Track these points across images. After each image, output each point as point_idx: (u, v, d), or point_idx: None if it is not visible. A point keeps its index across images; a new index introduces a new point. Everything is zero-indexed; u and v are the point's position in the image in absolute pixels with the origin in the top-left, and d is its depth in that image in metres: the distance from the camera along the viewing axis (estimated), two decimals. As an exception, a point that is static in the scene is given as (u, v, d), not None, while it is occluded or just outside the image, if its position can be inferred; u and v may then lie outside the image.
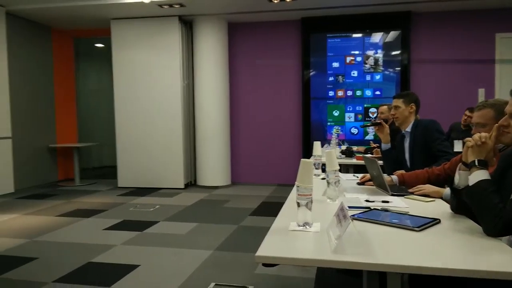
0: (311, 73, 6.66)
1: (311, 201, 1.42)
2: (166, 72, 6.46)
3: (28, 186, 6.56)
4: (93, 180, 7.32)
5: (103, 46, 8.65)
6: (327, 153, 1.98)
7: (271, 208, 5.09)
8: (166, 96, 6.48)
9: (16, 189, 6.20)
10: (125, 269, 3.01)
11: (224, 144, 6.74)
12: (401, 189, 2.25)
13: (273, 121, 6.90)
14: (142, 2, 5.67)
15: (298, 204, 1.42)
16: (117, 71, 6.63)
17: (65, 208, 5.13)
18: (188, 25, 6.74)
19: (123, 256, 3.30)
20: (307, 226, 1.43)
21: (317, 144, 2.74)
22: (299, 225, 1.44)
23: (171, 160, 6.49)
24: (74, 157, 6.96)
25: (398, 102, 2.99)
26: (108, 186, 6.76)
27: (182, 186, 6.48)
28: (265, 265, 1.26)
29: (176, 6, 5.91)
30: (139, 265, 3.10)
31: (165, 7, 5.95)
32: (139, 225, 4.27)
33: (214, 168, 6.66)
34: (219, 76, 6.63)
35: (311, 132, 6.67)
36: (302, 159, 1.45)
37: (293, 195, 2.03)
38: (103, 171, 8.43)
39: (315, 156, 2.72)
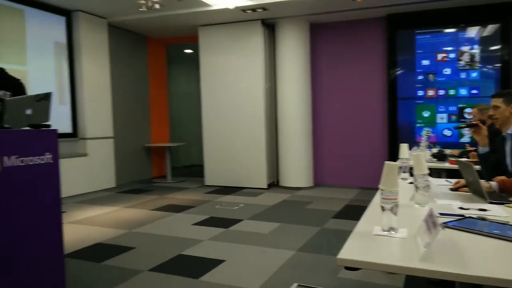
0: (398, 72, 6.37)
1: (397, 206, 1.37)
2: (249, 75, 6.65)
3: (127, 181, 7.19)
4: (183, 178, 7.79)
5: (191, 52, 9.16)
6: (414, 156, 1.89)
7: (355, 212, 4.97)
8: (249, 98, 6.66)
9: (117, 184, 6.86)
10: (212, 263, 3.17)
11: (306, 146, 6.74)
12: (501, 197, 2.06)
13: (357, 122, 6.73)
14: (227, 9, 5.90)
15: (382, 208, 1.39)
16: (204, 75, 6.98)
17: (159, 203, 5.54)
18: (270, 28, 6.86)
19: (210, 251, 3.47)
20: (393, 231, 1.39)
21: (404, 147, 2.62)
22: (383, 230, 1.41)
23: (255, 160, 6.66)
24: (166, 156, 7.47)
25: (498, 102, 2.74)
26: (196, 184, 7.14)
27: (265, 186, 6.61)
28: (347, 268, 1.24)
29: (259, 10, 6.05)
30: (225, 260, 3.23)
31: (249, 11, 6.12)
32: (225, 222, 4.45)
33: (297, 170, 6.69)
34: (301, 78, 6.64)
35: (398, 134, 6.38)
36: (386, 162, 1.41)
37: (377, 199, 1.98)
38: (192, 170, 8.92)
39: (401, 159, 2.60)
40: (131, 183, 7.17)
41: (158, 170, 8.05)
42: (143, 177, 7.65)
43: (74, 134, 6.37)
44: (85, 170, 6.27)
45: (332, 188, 6.65)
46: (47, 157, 2.26)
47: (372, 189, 6.00)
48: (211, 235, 3.97)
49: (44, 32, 5.94)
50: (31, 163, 2.14)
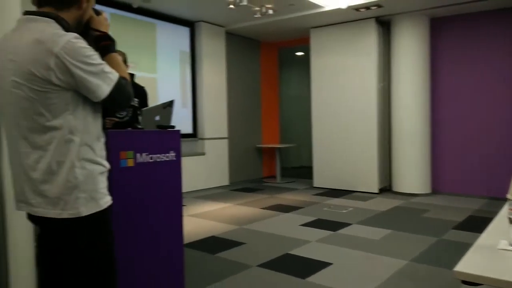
0: (538, 67, 5.56)
1: (529, 219, 1.22)
2: (362, 75, 6.45)
3: (240, 180, 7.56)
4: (291, 178, 7.90)
5: (303, 54, 9.23)
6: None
7: (480, 224, 4.49)
8: (361, 99, 6.47)
9: (230, 182, 7.27)
10: (318, 265, 3.17)
11: (423, 149, 6.28)
12: None
13: (484, 123, 6.05)
14: (339, 9, 5.82)
15: (510, 221, 1.24)
16: (314, 77, 6.99)
17: (268, 202, 5.71)
18: (385, 25, 6.56)
19: (317, 253, 3.47)
20: (523, 247, 1.24)
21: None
22: (511, 244, 1.26)
23: (366, 163, 6.44)
24: (276, 156, 7.66)
25: None
26: (305, 185, 7.18)
27: (376, 191, 6.35)
28: (466, 283, 1.15)
29: (373, 8, 5.84)
30: (332, 263, 3.20)
31: (362, 10, 5.94)
32: (332, 225, 4.40)
33: (412, 174, 6.28)
34: (419, 76, 6.22)
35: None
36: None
37: (505, 210, 1.77)
38: (301, 171, 8.99)
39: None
40: (243, 182, 7.51)
41: (268, 170, 8.29)
42: (254, 177, 7.96)
43: (194, 135, 6.92)
44: (203, 168, 6.77)
45: (453, 196, 6.09)
46: (171, 155, 2.50)
47: (503, 199, 5.35)
48: (319, 237, 3.96)
49: (172, 42, 6.58)
50: (158, 160, 2.40)
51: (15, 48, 1.29)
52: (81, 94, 1.33)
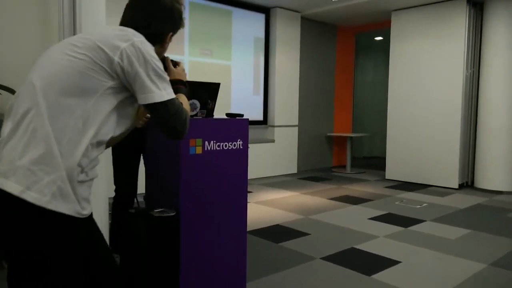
0: None
1: None
2: (447, 61, 5.98)
3: (308, 169, 7.49)
4: (362, 169, 7.65)
5: (381, 39, 8.79)
6: None
7: None
8: (445, 87, 6.01)
9: (298, 171, 7.23)
10: (386, 262, 3.04)
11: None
12: None
13: None
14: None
15: None
16: (393, 63, 6.63)
17: (336, 192, 5.59)
18: (477, 7, 5.98)
19: (385, 249, 3.33)
20: None
21: None
22: None
23: (446, 156, 6.01)
24: (347, 146, 7.45)
25: None
26: (376, 176, 6.92)
27: (456, 186, 5.91)
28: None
29: (464, -13, 5.35)
30: (401, 262, 3.06)
31: (451, -10, 5.48)
32: (404, 221, 4.20)
33: (498, 170, 5.75)
34: (512, 63, 5.62)
35: None
36: None
37: None
38: (373, 161, 8.66)
39: None
40: (311, 171, 7.43)
41: (338, 159, 8.11)
42: (322, 166, 7.83)
43: (264, 122, 6.96)
44: (271, 155, 6.80)
45: (546, 197, 5.49)
46: (239, 143, 2.53)
47: None
48: (388, 232, 3.80)
49: (247, 29, 6.62)
50: (225, 148, 2.45)
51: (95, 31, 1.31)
52: (127, 97, 1.28)
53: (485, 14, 5.87)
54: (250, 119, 6.82)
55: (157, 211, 2.19)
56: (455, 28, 5.89)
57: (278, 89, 6.89)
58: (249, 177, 6.33)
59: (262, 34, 6.85)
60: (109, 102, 1.24)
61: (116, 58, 1.22)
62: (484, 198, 5.37)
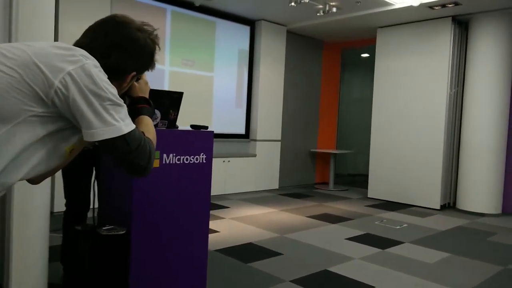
0: None
1: None
2: (431, 79, 5.93)
3: (290, 185, 7.33)
4: (345, 186, 7.52)
5: (368, 56, 8.77)
6: None
7: (557, 256, 3.90)
8: (429, 106, 5.94)
9: (280, 186, 7.07)
10: (358, 287, 2.88)
11: (496, 164, 5.63)
12: None
13: None
14: (411, 6, 5.38)
15: None
16: (378, 80, 6.56)
17: (316, 210, 5.44)
18: (462, 25, 5.97)
19: (359, 273, 3.17)
20: None
21: None
22: None
23: (428, 176, 5.91)
24: (331, 162, 7.32)
25: None
26: (358, 194, 6.78)
27: (438, 207, 5.80)
28: None
29: (450, 5, 5.31)
30: (374, 287, 2.90)
31: (437, 8, 5.44)
32: (382, 242, 4.05)
33: (481, 191, 5.65)
34: (497, 83, 5.57)
35: None
36: None
37: None
38: (357, 179, 8.55)
39: None
40: (293, 187, 7.28)
41: (321, 176, 7.97)
42: (305, 182, 7.68)
43: (246, 136, 6.82)
44: (253, 170, 6.64)
45: (528, 221, 5.40)
46: (202, 157, 2.37)
47: None
48: (364, 254, 3.64)
49: (231, 40, 6.51)
50: (186, 162, 2.29)
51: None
52: (60, 129, 1.05)
53: (470, 33, 5.85)
54: (232, 132, 6.74)
55: (105, 228, 2.01)
56: (440, 47, 5.86)
57: (261, 102, 6.77)
58: (228, 192, 6.21)
59: (246, 46, 6.76)
60: (31, 134, 1.00)
61: (57, 83, 0.99)
62: (466, 220, 5.25)
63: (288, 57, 7.13)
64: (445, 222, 5.06)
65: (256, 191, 6.64)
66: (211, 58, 6.30)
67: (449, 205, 6.04)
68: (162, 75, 5.65)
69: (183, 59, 5.93)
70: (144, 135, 1.15)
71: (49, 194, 2.22)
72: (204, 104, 6.24)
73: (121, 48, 1.17)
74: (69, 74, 1.00)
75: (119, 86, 1.20)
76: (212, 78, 6.34)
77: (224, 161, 6.17)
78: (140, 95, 1.37)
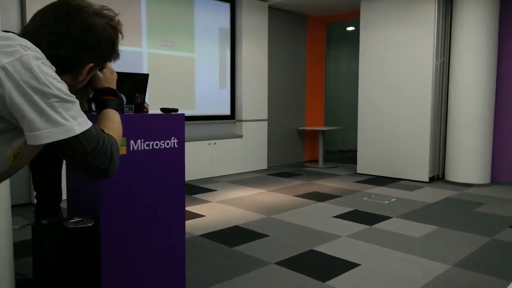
0: None
1: None
2: (416, 50, 5.81)
3: (279, 164, 7.27)
4: (335, 163, 7.48)
5: (353, 30, 8.60)
6: None
7: (544, 223, 3.90)
8: (415, 78, 5.85)
9: (268, 166, 7.00)
10: (344, 266, 2.83)
11: (484, 134, 5.59)
12: None
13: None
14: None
15: None
16: (363, 53, 6.43)
17: (304, 189, 5.38)
18: (447, -5, 5.83)
19: (346, 251, 3.13)
20: None
21: None
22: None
23: (416, 149, 5.86)
24: (319, 140, 7.25)
25: None
26: (348, 171, 6.74)
27: (427, 180, 5.77)
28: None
29: (432, -26, 5.17)
30: (360, 265, 2.86)
31: (419, -23, 5.29)
32: (370, 218, 4.01)
33: (469, 162, 5.62)
34: (483, 53, 5.47)
35: None
36: None
37: None
38: (347, 155, 8.51)
39: None
40: (282, 166, 7.22)
41: (310, 154, 7.91)
42: (294, 161, 7.62)
43: (232, 116, 6.70)
44: (239, 151, 6.54)
45: (517, 189, 5.41)
46: (173, 142, 2.27)
47: None
48: (351, 231, 3.60)
49: (210, 19, 6.31)
50: (156, 148, 2.18)
51: None
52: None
53: (454, 3, 5.70)
54: (216, 113, 6.60)
55: (72, 221, 1.92)
56: (425, 17, 5.72)
57: (245, 82, 6.62)
58: (215, 175, 6.13)
59: (227, 25, 6.56)
60: None
61: None
62: (454, 191, 5.24)
63: (271, 34, 6.96)
64: (434, 195, 5.04)
65: (244, 172, 6.57)
66: (191, 39, 6.12)
67: (438, 177, 6.02)
68: (140, 58, 5.47)
69: (162, 40, 5.74)
70: (104, 132, 1.02)
71: (8, 188, 2.11)
72: (186, 86, 6.08)
73: (73, 36, 1.01)
74: (3, 68, 0.86)
75: (74, 80, 1.07)
76: (193, 59, 6.16)
77: (210, 144, 6.07)
78: (105, 85, 1.22)
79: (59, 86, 0.92)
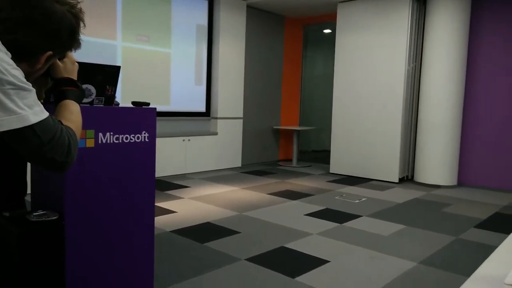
0: None
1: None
2: (390, 54, 5.94)
3: (253, 162, 7.28)
4: (309, 163, 7.55)
5: (330, 32, 8.71)
6: None
7: (505, 223, 4.05)
8: (387, 81, 5.97)
9: (242, 164, 7.00)
10: (314, 262, 2.86)
11: (452, 138, 5.76)
12: None
13: (523, 112, 5.46)
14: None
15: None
16: (339, 56, 6.52)
17: (277, 187, 5.41)
18: (421, 1, 5.96)
19: (316, 248, 3.16)
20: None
21: None
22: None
23: (387, 150, 5.99)
24: (294, 139, 7.30)
25: None
26: (321, 170, 6.82)
27: (396, 180, 5.91)
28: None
29: (406, -20, 5.28)
30: (329, 261, 2.89)
31: (393, -18, 5.40)
32: (340, 216, 4.07)
33: (437, 164, 5.79)
34: (454, 59, 5.64)
35: None
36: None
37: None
38: (321, 155, 8.60)
39: None
40: (256, 164, 7.23)
41: (285, 153, 7.96)
42: (269, 159, 7.65)
43: (207, 113, 6.66)
44: (214, 148, 6.52)
45: (481, 190, 5.59)
46: (144, 136, 2.23)
47: (535, 197, 4.84)
48: (322, 229, 3.64)
49: (188, 15, 6.25)
50: (126, 141, 2.14)
51: None
52: None
53: (428, 9, 5.86)
54: (192, 110, 6.55)
55: (36, 214, 1.86)
56: (399, 22, 5.85)
57: (221, 79, 6.60)
58: (189, 171, 6.08)
59: (205, 22, 6.52)
60: None
61: None
62: (422, 192, 5.38)
63: (249, 33, 6.96)
64: (403, 195, 5.16)
65: (218, 170, 6.54)
66: (168, 34, 6.05)
67: (408, 178, 6.17)
68: (114, 51, 5.36)
69: (137, 35, 5.65)
70: (63, 124, 0.98)
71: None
72: (162, 81, 6.01)
73: (31, 22, 0.97)
74: None
75: (31, 68, 1.03)
76: (170, 54, 6.10)
77: (184, 140, 6.01)
78: (64, 75, 1.19)
79: (14, 73, 0.88)
